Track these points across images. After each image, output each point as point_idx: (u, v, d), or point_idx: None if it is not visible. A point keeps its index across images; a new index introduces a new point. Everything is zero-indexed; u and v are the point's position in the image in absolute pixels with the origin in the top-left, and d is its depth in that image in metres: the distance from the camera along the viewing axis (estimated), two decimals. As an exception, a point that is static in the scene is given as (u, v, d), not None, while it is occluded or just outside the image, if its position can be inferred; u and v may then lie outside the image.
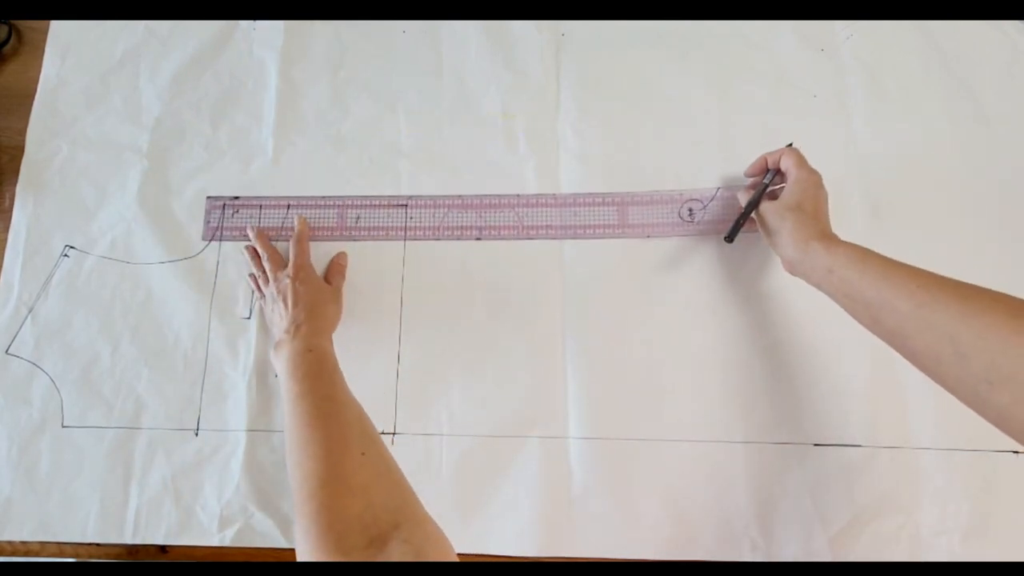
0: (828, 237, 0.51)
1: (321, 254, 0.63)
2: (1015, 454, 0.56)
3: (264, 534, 0.56)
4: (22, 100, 0.67)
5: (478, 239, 0.63)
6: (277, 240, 0.63)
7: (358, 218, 0.64)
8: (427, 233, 0.63)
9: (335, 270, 0.62)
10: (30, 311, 0.61)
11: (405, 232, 0.63)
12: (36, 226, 0.63)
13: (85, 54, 0.69)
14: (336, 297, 0.60)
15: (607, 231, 0.63)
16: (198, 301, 0.61)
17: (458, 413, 0.58)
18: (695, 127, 0.66)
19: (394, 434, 0.57)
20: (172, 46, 0.69)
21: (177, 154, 0.65)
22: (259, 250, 0.62)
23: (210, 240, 0.63)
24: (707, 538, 0.55)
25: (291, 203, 0.64)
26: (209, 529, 0.56)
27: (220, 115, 0.67)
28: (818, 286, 0.50)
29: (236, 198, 0.64)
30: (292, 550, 0.56)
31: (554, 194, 0.64)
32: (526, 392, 0.59)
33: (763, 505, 0.56)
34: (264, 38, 0.69)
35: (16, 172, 0.65)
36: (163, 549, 0.56)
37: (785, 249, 0.52)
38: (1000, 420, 0.36)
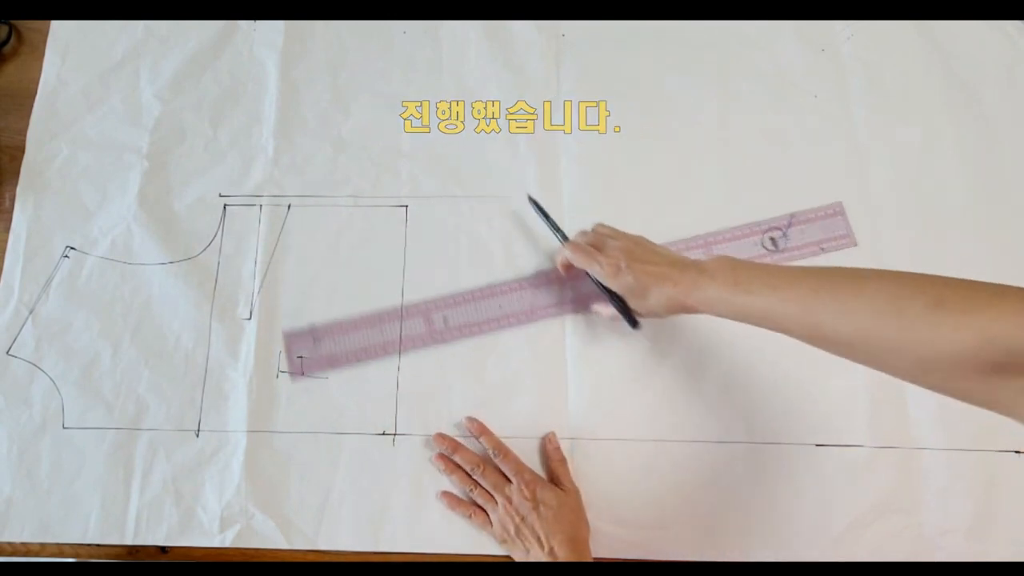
0: (687, 297, 0.46)
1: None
2: (1017, 454, 0.56)
3: (265, 535, 0.55)
4: (22, 100, 0.67)
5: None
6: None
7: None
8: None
9: (556, 462, 0.55)
10: (31, 312, 0.61)
11: (405, 234, 0.63)
12: (36, 227, 0.63)
13: (85, 54, 0.68)
14: (579, 504, 0.54)
15: None
16: (199, 302, 0.61)
17: (458, 414, 0.58)
18: (695, 127, 0.66)
19: (395, 435, 0.57)
20: (172, 46, 0.68)
21: (178, 155, 0.65)
22: (464, 464, 0.55)
23: (299, 375, 0.59)
24: (708, 538, 0.55)
25: (291, 203, 0.64)
26: (210, 530, 0.56)
27: (220, 115, 0.66)
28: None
29: (314, 327, 0.60)
30: (292, 551, 0.55)
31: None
32: (526, 392, 0.59)
33: (765, 505, 0.56)
34: (264, 38, 0.69)
35: (16, 173, 0.65)
36: (163, 550, 0.56)
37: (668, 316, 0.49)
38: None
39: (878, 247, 0.62)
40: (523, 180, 0.64)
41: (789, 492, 0.56)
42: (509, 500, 0.53)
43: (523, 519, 0.52)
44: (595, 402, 0.58)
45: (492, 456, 0.55)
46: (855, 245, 0.62)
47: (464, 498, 0.56)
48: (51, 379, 0.59)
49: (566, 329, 0.60)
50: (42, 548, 0.56)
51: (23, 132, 0.66)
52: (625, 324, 0.54)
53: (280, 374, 0.59)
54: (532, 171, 0.64)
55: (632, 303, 0.51)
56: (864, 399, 0.58)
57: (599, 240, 0.53)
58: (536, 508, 0.52)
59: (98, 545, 0.56)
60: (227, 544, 0.55)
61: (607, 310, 0.55)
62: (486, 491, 0.54)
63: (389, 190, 0.64)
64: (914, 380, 0.38)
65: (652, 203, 0.64)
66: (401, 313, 0.61)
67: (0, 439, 0.57)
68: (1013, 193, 0.63)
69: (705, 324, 0.60)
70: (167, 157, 0.65)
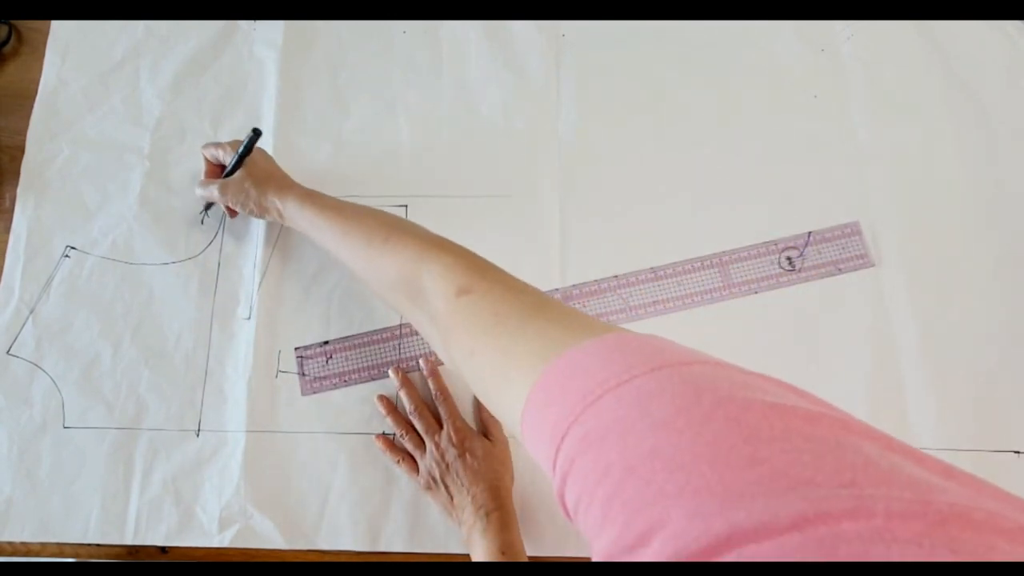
0: (283, 187, 0.56)
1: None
2: (1017, 454, 0.56)
3: (263, 536, 0.55)
4: (22, 100, 0.67)
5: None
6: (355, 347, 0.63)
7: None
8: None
9: (487, 414, 0.57)
10: (31, 312, 0.61)
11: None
12: (37, 227, 0.63)
13: (85, 54, 0.68)
14: (506, 456, 0.56)
15: (712, 295, 0.61)
16: (199, 302, 0.61)
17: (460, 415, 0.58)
18: (695, 127, 0.66)
19: (394, 435, 0.57)
20: (172, 46, 0.68)
21: (178, 154, 0.65)
22: (405, 403, 0.57)
23: (311, 393, 0.59)
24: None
25: (291, 203, 0.64)
26: (209, 530, 0.56)
27: (221, 115, 0.67)
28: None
29: (326, 343, 0.60)
30: (291, 551, 0.56)
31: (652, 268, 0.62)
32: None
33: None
34: (264, 38, 0.69)
35: (17, 173, 0.65)
36: (163, 550, 0.56)
37: (249, 204, 0.56)
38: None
39: (877, 247, 0.62)
40: (523, 180, 0.64)
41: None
42: (437, 446, 0.55)
43: (448, 466, 0.54)
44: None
45: (434, 397, 0.57)
46: (872, 266, 0.61)
47: (398, 443, 0.57)
48: (51, 379, 0.59)
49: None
50: (42, 548, 0.56)
51: (23, 132, 0.66)
52: None
53: (280, 374, 0.59)
54: (532, 172, 0.65)
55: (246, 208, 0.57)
56: (863, 399, 0.58)
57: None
58: (462, 456, 0.54)
59: (98, 545, 0.56)
60: (226, 544, 0.55)
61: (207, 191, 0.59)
62: (418, 436, 0.56)
63: (389, 190, 0.64)
64: (380, 297, 0.49)
65: (653, 203, 0.64)
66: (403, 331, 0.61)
67: (1, 439, 0.58)
68: (1012, 192, 0.63)
69: (702, 325, 0.60)
70: (168, 157, 0.65)
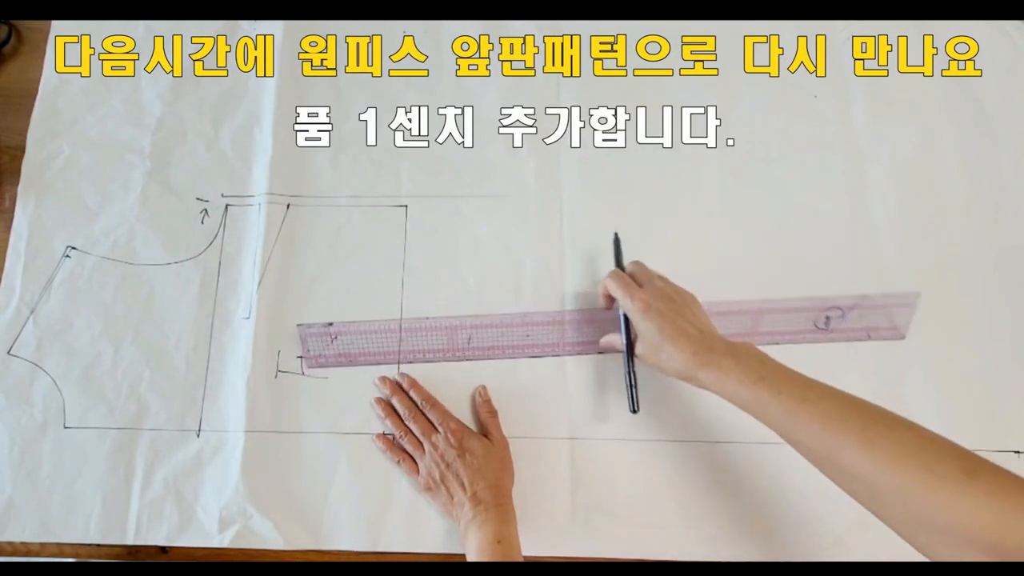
0: (701, 368, 0.46)
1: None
2: (1017, 454, 0.56)
3: (263, 536, 0.55)
4: (22, 100, 0.67)
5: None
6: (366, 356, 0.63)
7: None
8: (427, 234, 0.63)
9: (486, 413, 0.57)
10: (32, 312, 0.61)
11: (405, 234, 0.63)
12: (38, 227, 0.63)
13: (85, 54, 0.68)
14: (505, 453, 0.56)
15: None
16: (200, 302, 0.61)
17: (458, 415, 0.58)
18: (695, 127, 0.66)
19: (395, 435, 0.57)
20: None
21: (179, 155, 0.65)
22: (399, 408, 0.57)
23: (314, 367, 0.59)
24: (708, 538, 0.55)
25: (291, 203, 0.64)
26: (209, 530, 0.56)
27: (221, 115, 0.66)
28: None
29: (330, 324, 0.60)
30: (291, 551, 0.55)
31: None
32: (527, 393, 0.59)
33: (765, 505, 0.56)
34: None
35: (17, 173, 0.65)
36: (163, 550, 0.56)
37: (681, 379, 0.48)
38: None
39: (878, 248, 0.62)
40: (523, 180, 0.64)
41: (790, 492, 0.56)
42: (435, 447, 0.54)
43: (448, 466, 0.54)
44: (595, 403, 0.58)
45: (421, 408, 0.57)
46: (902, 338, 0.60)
47: (398, 443, 0.57)
48: (52, 379, 0.59)
49: (565, 329, 0.60)
50: (42, 548, 0.56)
51: (23, 132, 0.66)
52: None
53: (279, 374, 0.59)
54: (532, 171, 0.65)
55: (643, 349, 0.50)
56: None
57: (645, 277, 0.53)
58: (462, 456, 0.53)
59: (98, 545, 0.56)
60: (226, 544, 0.55)
61: (614, 343, 0.55)
62: (416, 438, 0.56)
63: (389, 190, 0.64)
64: (906, 536, 0.38)
65: (653, 203, 0.64)
66: (400, 325, 0.61)
67: (1, 439, 0.58)
68: (1012, 193, 0.63)
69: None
70: (168, 157, 0.65)
